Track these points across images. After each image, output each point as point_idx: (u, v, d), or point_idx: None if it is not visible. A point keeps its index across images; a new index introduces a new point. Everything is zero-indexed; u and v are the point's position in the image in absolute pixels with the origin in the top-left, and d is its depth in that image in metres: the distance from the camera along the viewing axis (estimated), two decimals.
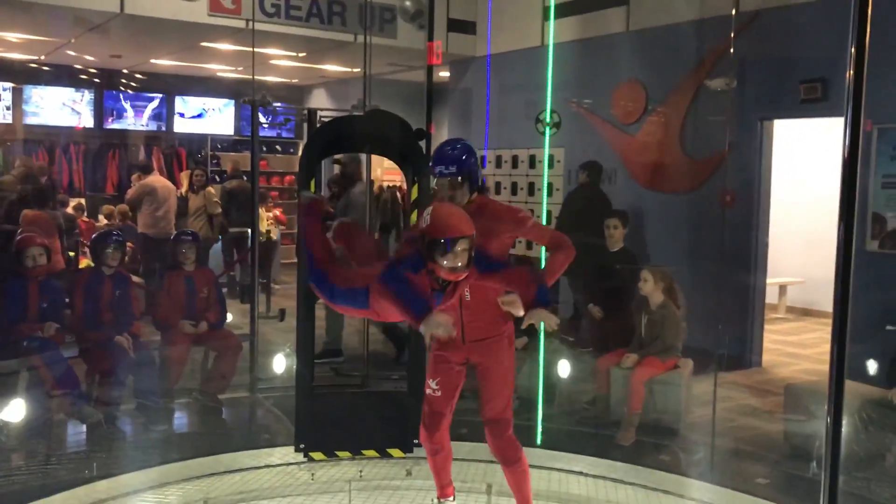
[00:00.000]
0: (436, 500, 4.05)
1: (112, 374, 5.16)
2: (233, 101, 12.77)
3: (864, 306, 6.69)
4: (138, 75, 12.04)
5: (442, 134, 11.07)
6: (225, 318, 6.18)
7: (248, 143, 13.29)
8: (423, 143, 4.68)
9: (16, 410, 4.55)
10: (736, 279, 7.55)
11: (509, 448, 3.77)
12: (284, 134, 13.79)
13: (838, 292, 2.16)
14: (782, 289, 10.21)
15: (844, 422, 4.68)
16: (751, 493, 4.45)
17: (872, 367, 5.33)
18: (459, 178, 3.70)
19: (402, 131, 4.61)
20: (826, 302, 9.46)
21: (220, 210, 10.02)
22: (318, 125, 6.03)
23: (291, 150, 14.01)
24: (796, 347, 8.60)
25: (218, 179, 12.29)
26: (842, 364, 2.10)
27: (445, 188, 3.73)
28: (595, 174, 8.11)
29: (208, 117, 12.64)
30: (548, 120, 5.18)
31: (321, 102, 12.79)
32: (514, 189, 9.73)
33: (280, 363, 5.94)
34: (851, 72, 2.00)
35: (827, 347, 8.77)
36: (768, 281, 8.20)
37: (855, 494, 4.41)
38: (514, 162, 9.65)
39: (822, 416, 4.77)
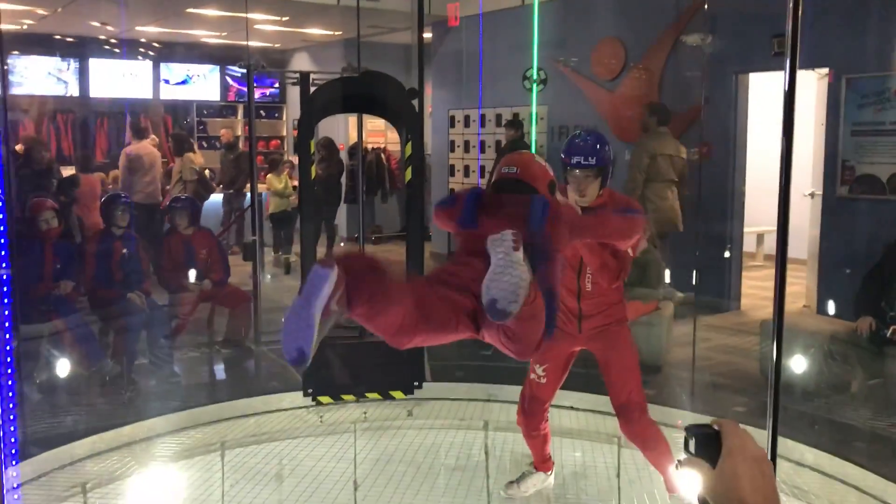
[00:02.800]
0: (530, 467, 4.04)
1: (127, 329, 5.43)
2: (218, 67, 12.85)
3: (835, 248, 7.09)
4: (124, 42, 12.08)
5: (427, 94, 11.22)
6: (228, 276, 6.43)
7: (233, 108, 13.47)
8: (415, 103, 4.93)
9: (63, 368, 4.84)
10: (715, 228, 7.87)
11: (646, 433, 3.57)
12: (267, 97, 13.89)
13: (780, 232, 2.47)
14: (760, 237, 10.50)
15: (813, 354, 5.07)
16: (729, 418, 4.81)
17: (841, 304, 5.70)
18: (597, 170, 3.40)
19: (395, 91, 4.85)
20: (802, 249, 9.86)
21: (196, 176, 10.17)
22: (310, 88, 6.23)
23: (276, 115, 14.13)
24: (773, 292, 8.94)
25: (206, 146, 12.42)
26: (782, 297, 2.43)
27: (579, 181, 3.42)
28: (520, 127, 8.72)
29: (193, 84, 12.72)
30: (534, 77, 5.38)
31: (303, 66, 12.88)
32: (497, 147, 9.98)
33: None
34: (790, 24, 2.27)
35: (793, 290, 9.15)
36: (746, 230, 8.52)
37: (822, 417, 4.80)
38: (498, 121, 9.89)
39: (795, 348, 5.16)
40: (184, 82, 12.59)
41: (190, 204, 6.62)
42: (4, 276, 2.59)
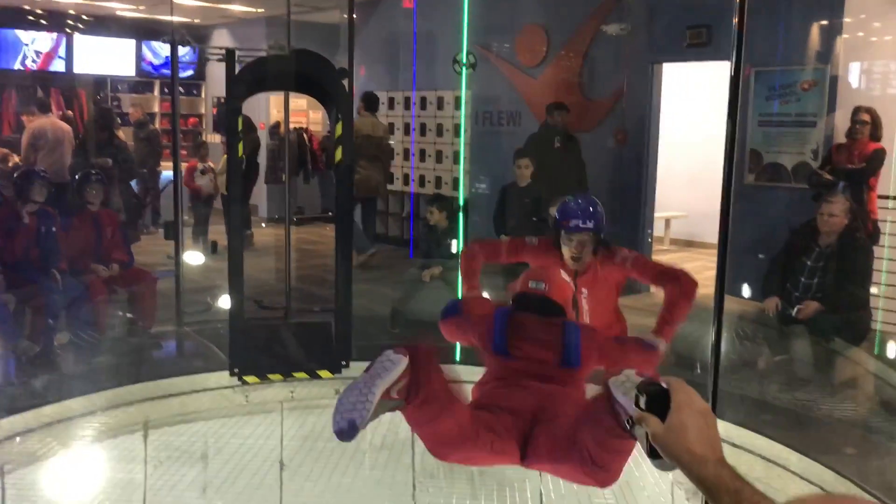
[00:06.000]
0: None
1: (44, 309, 5.27)
2: (133, 41, 12.46)
3: (742, 233, 7.43)
4: (36, 12, 11.58)
5: (356, 76, 11.16)
6: (132, 258, 6.27)
7: (148, 83, 13.11)
8: (345, 82, 4.94)
9: None
10: (628, 213, 8.14)
11: None
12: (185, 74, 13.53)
13: (723, 219, 2.65)
14: (668, 222, 10.74)
15: (724, 335, 5.35)
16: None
17: (748, 289, 6.01)
18: (594, 234, 3.51)
19: (326, 71, 4.85)
20: (706, 234, 10.23)
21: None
22: (235, 66, 6.14)
23: (194, 92, 13.80)
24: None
25: (119, 122, 12.04)
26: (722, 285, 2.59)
27: (575, 243, 3.51)
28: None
29: (108, 57, 12.27)
30: (464, 60, 5.46)
31: (223, 42, 12.61)
32: (422, 130, 10.03)
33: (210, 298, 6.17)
34: (736, 18, 2.42)
35: (707, 274, 9.56)
36: (655, 215, 8.82)
37: (731, 393, 5.06)
38: (423, 103, 9.94)
39: (702, 328, 5.42)
40: (98, 56, 12.09)
41: (102, 179, 6.35)
42: None
